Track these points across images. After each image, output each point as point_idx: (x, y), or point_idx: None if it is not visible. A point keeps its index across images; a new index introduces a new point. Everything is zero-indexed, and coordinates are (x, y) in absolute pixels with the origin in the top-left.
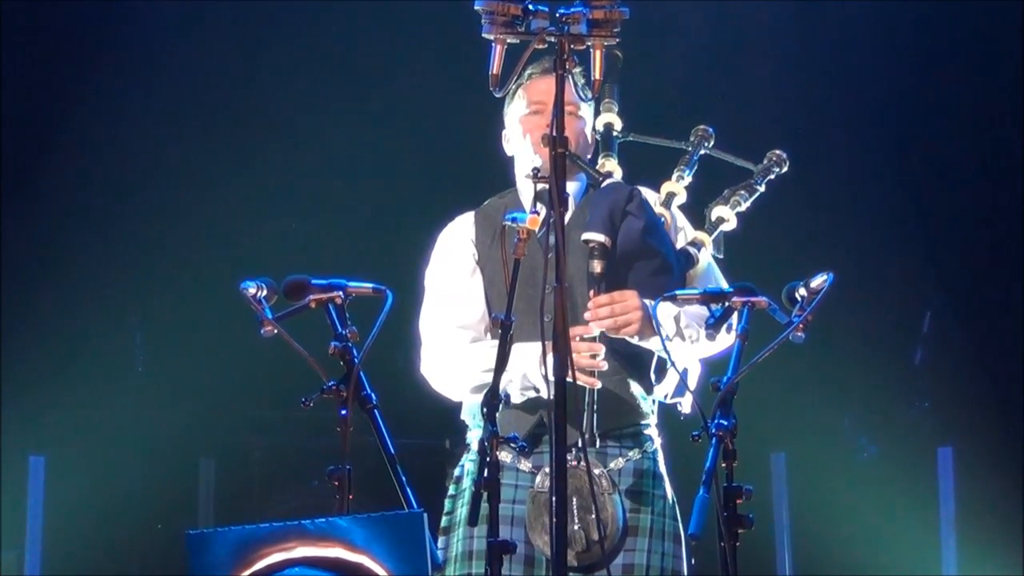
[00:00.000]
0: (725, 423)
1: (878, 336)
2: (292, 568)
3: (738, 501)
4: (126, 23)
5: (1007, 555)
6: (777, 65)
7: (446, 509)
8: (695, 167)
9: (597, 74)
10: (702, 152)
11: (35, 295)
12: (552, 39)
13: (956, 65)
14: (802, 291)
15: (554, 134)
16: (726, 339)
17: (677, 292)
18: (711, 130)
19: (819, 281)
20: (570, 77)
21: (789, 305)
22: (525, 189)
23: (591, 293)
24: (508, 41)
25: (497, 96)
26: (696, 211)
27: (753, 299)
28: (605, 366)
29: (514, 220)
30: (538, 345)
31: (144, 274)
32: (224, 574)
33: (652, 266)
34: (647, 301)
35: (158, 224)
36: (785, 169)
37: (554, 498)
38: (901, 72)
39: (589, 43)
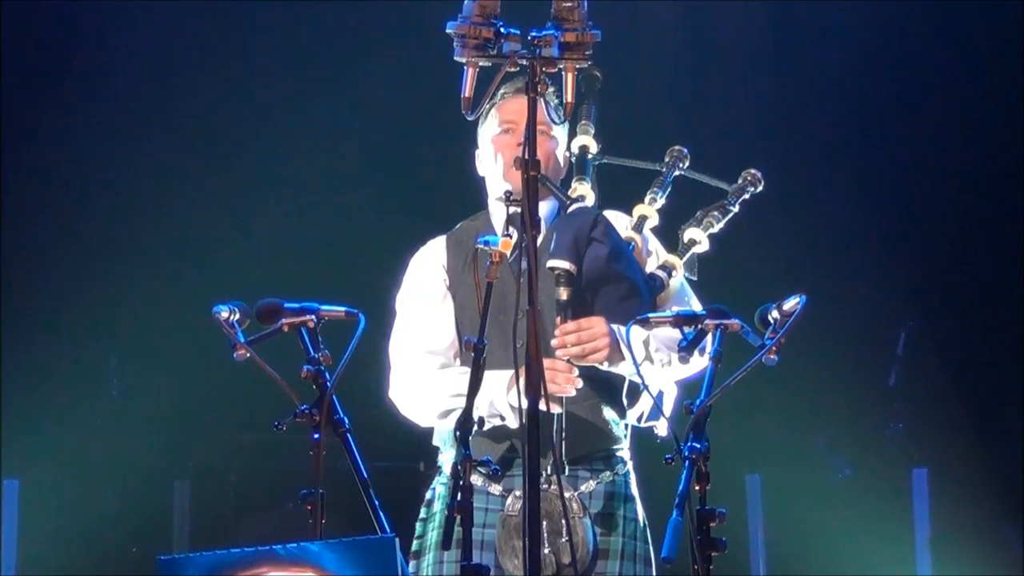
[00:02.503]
0: (698, 446)
1: (853, 358)
2: None
3: (711, 524)
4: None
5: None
6: (752, 86)
7: (417, 532)
8: (669, 188)
9: (569, 97)
10: (676, 173)
11: (8, 318)
12: (524, 62)
13: (933, 87)
14: (775, 313)
15: (526, 157)
16: (699, 362)
17: (650, 315)
18: (686, 151)
19: (791, 304)
20: (543, 98)
21: (762, 327)
22: (497, 211)
23: (557, 320)
24: (480, 64)
25: (469, 119)
26: (670, 232)
27: (726, 322)
28: (573, 392)
29: (486, 243)
30: (505, 373)
31: (118, 297)
32: None
33: (619, 291)
34: (615, 326)
35: (132, 247)
36: (760, 189)
37: (527, 523)
38: (877, 94)
39: (561, 66)
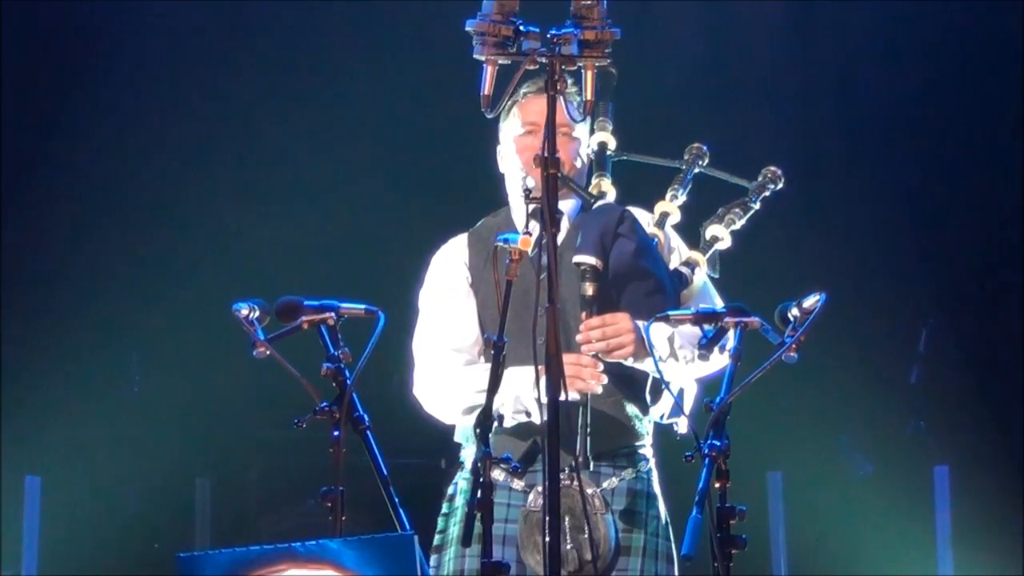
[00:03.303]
0: (718, 443)
1: (874, 355)
2: None
3: (731, 522)
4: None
5: (1003, 574)
6: (772, 82)
7: (439, 527)
8: (689, 186)
9: (588, 95)
10: (696, 170)
11: (31, 315)
12: (543, 60)
13: (954, 82)
14: (795, 311)
15: (546, 155)
16: (721, 359)
17: (670, 312)
18: (705, 148)
19: (811, 301)
20: (565, 97)
21: (782, 325)
22: (518, 208)
23: (583, 316)
24: (499, 62)
25: (488, 117)
26: (691, 230)
27: (746, 319)
28: (599, 389)
29: (506, 241)
30: (530, 368)
31: (140, 294)
32: None
33: (645, 287)
34: (640, 322)
35: (153, 245)
36: (780, 186)
37: (547, 519)
38: (898, 90)
39: (580, 64)
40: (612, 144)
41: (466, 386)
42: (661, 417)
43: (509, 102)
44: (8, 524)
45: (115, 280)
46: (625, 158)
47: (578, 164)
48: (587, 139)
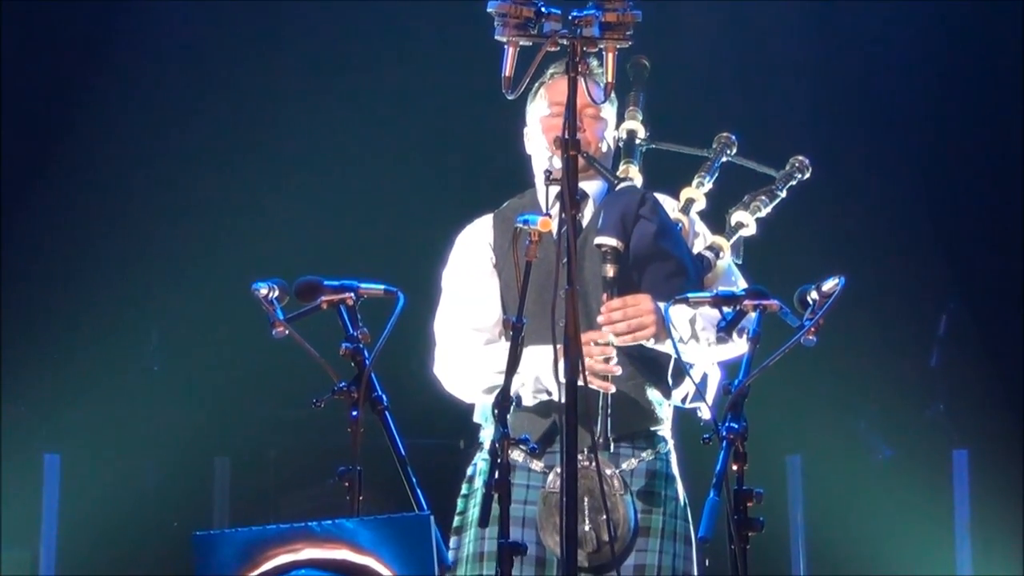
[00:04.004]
0: (736, 426)
1: (894, 338)
2: (298, 570)
3: (748, 504)
4: (135, 19)
5: (1021, 558)
6: (798, 69)
7: (458, 509)
8: (716, 174)
9: (609, 77)
10: (724, 159)
11: (52, 293)
12: (564, 42)
13: (975, 66)
14: (814, 295)
15: (566, 136)
16: (742, 343)
17: (689, 295)
18: (734, 137)
19: (831, 285)
20: (591, 78)
21: (801, 309)
22: (543, 189)
23: (604, 298)
24: (520, 43)
25: (509, 98)
26: (717, 217)
27: (765, 302)
28: (619, 371)
29: (526, 222)
30: (551, 348)
31: (161, 273)
32: (230, 575)
33: (666, 269)
34: (660, 304)
35: (174, 223)
36: (808, 175)
37: (564, 500)
38: (921, 75)
39: (601, 46)
40: (641, 133)
41: (486, 366)
42: (683, 401)
43: (536, 84)
44: (27, 501)
45: (136, 259)
46: (654, 147)
47: (603, 147)
48: (614, 121)
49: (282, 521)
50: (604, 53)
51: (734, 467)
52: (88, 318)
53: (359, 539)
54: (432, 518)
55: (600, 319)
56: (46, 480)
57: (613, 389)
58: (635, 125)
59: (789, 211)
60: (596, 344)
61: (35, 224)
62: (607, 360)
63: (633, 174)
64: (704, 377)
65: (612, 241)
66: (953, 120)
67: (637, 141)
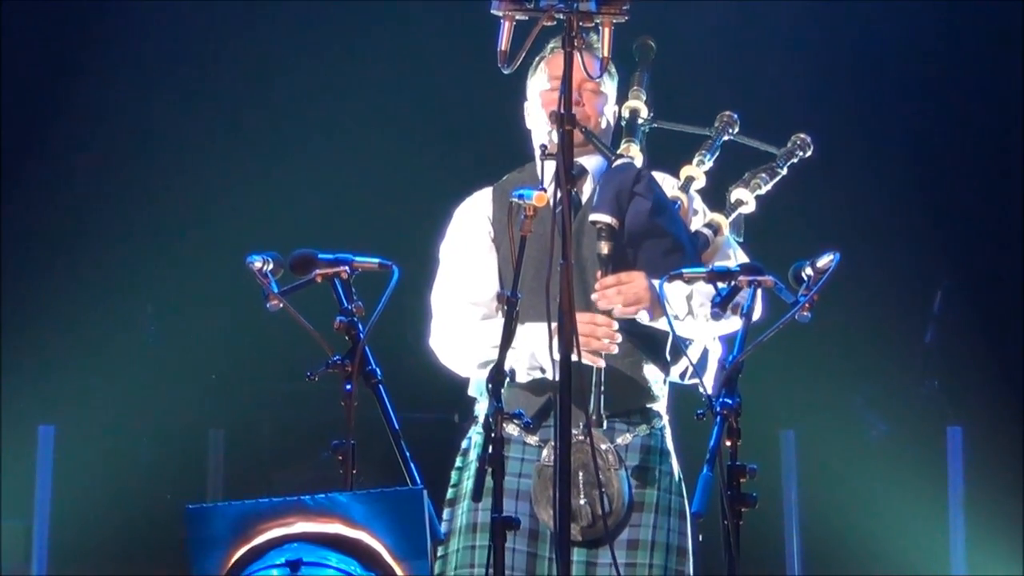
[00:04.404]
0: (730, 402)
1: (889, 315)
2: (291, 543)
3: (742, 480)
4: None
5: (1015, 534)
6: (797, 48)
7: (452, 481)
8: (717, 152)
9: (605, 51)
10: (725, 138)
11: (46, 265)
12: (561, 16)
13: (971, 43)
14: (808, 271)
15: (562, 111)
16: (737, 318)
17: (684, 270)
18: (735, 116)
19: (825, 261)
20: (589, 52)
21: (795, 284)
22: (541, 164)
23: (599, 275)
24: (517, 18)
25: (505, 72)
26: (717, 196)
27: (759, 278)
28: (615, 349)
29: (521, 197)
30: (547, 325)
31: (156, 245)
32: (223, 549)
33: (662, 246)
34: (655, 281)
35: (169, 196)
36: (809, 153)
37: (557, 475)
38: (917, 53)
39: (598, 20)
40: (644, 113)
41: (482, 340)
42: (681, 377)
43: (536, 58)
44: (22, 473)
45: (130, 231)
46: (656, 126)
47: (603, 122)
48: (614, 96)
49: (276, 493)
50: (600, 28)
51: (727, 443)
52: (83, 290)
53: (352, 513)
54: (425, 492)
55: (594, 296)
56: (40, 452)
57: (602, 363)
58: (638, 104)
59: (786, 187)
60: (598, 325)
61: (30, 198)
62: (610, 340)
63: (634, 153)
64: (704, 352)
65: (606, 218)
66: (948, 97)
67: (640, 121)
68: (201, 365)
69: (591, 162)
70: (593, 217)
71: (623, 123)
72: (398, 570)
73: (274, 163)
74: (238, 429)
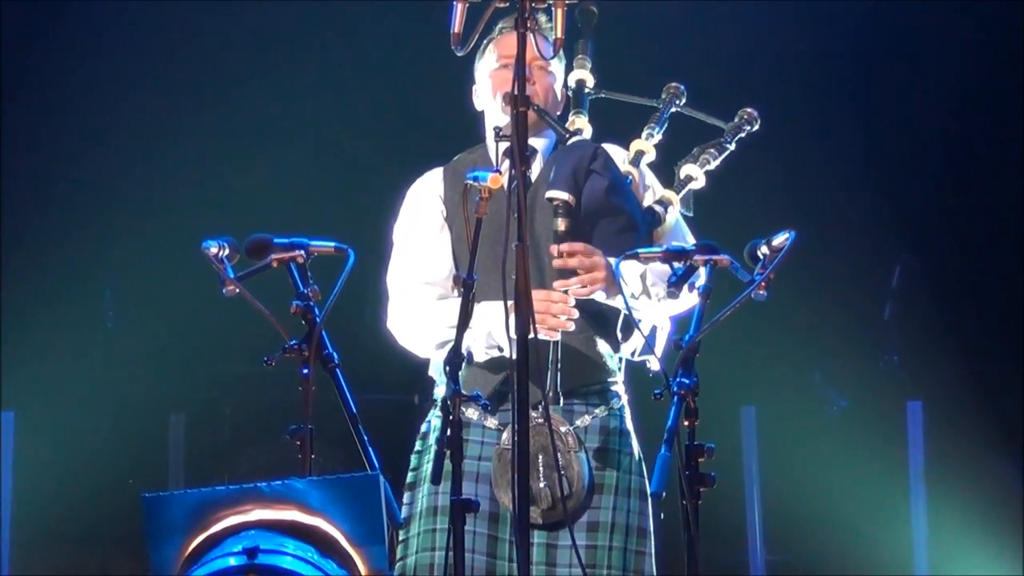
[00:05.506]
0: (687, 381)
1: (848, 291)
2: (248, 531)
3: (700, 459)
4: None
5: (975, 508)
6: (746, 21)
7: (412, 465)
8: (665, 125)
9: (559, 32)
10: (673, 110)
11: (3, 252)
12: None
13: (923, 18)
14: (764, 249)
15: (516, 93)
16: (692, 297)
17: (640, 250)
18: (682, 88)
19: (780, 239)
20: (540, 33)
21: (751, 263)
22: (493, 145)
23: (555, 251)
24: (469, 0)
25: (459, 55)
26: (666, 169)
27: (715, 257)
28: (572, 326)
29: (475, 179)
30: (503, 304)
31: (113, 230)
32: (180, 537)
33: (617, 224)
34: (611, 259)
35: (126, 181)
36: (756, 127)
37: (515, 456)
38: (868, 26)
39: (550, 2)
40: (590, 82)
41: (438, 320)
42: (632, 354)
43: (485, 40)
44: None
45: (88, 217)
46: (603, 96)
47: (553, 98)
48: (563, 77)
49: (238, 476)
50: (553, 9)
51: (685, 423)
52: (41, 276)
53: (309, 499)
54: (381, 477)
55: (556, 262)
56: (1, 438)
57: (557, 336)
58: (584, 74)
59: (740, 163)
60: (554, 302)
61: None
62: (567, 316)
63: (582, 124)
64: (653, 330)
65: (564, 195)
66: (903, 71)
67: (586, 90)
68: (161, 349)
69: (539, 142)
70: (550, 194)
71: (570, 93)
72: (355, 556)
73: (229, 149)
74: (199, 413)
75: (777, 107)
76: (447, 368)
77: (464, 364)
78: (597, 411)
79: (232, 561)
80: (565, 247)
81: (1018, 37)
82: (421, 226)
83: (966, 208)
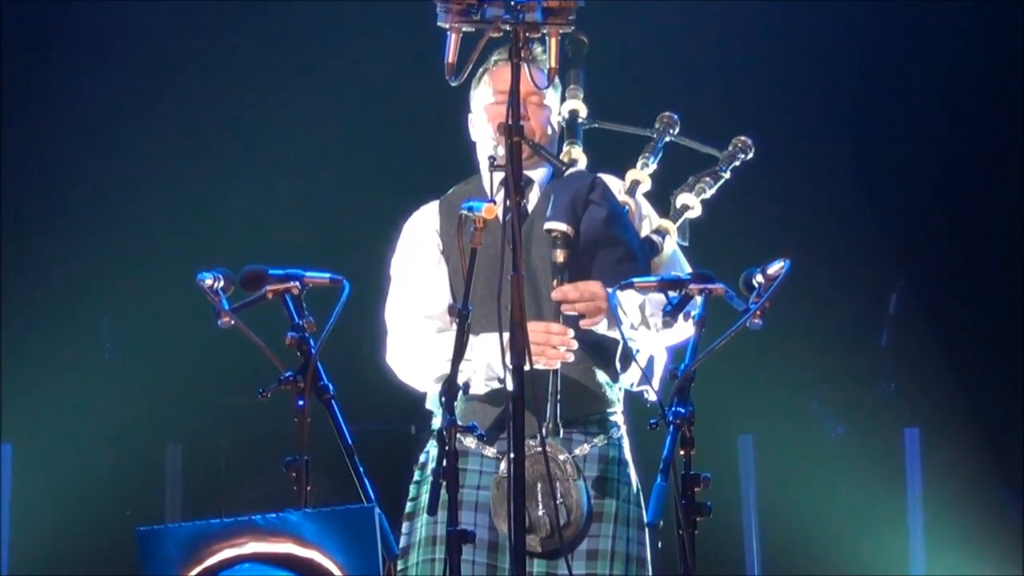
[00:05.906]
0: (682, 411)
1: (845, 318)
2: (242, 564)
3: (696, 489)
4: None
5: (973, 535)
6: (742, 51)
7: (411, 495)
8: (660, 154)
9: (553, 62)
10: (667, 139)
11: (2, 283)
12: (507, 27)
13: (917, 47)
14: (759, 278)
15: (510, 123)
16: (688, 327)
17: (635, 279)
18: (676, 117)
19: (776, 268)
20: (535, 65)
21: (746, 292)
22: (488, 175)
23: (554, 283)
24: (463, 29)
25: (453, 85)
26: (661, 198)
27: (710, 286)
28: (572, 357)
29: (470, 209)
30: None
31: (111, 261)
32: (175, 570)
33: (615, 255)
34: (609, 290)
35: (124, 213)
36: (750, 156)
37: (511, 486)
38: (863, 55)
39: (544, 31)
40: (583, 112)
41: (437, 354)
42: (631, 385)
43: (480, 70)
44: None
45: (86, 248)
46: (596, 126)
47: (548, 132)
48: (557, 107)
49: (235, 508)
50: (547, 39)
51: (681, 452)
52: (38, 307)
53: (303, 532)
54: (377, 509)
55: (563, 308)
56: None
57: (557, 365)
58: (577, 104)
59: (737, 192)
60: (553, 333)
61: None
62: (566, 348)
63: (577, 155)
64: (650, 361)
65: (562, 226)
66: (898, 99)
67: (579, 120)
68: (158, 380)
69: (536, 172)
70: (548, 226)
71: (563, 123)
72: None
73: (226, 180)
74: (196, 444)
75: (771, 135)
76: (443, 399)
77: (463, 395)
78: (596, 440)
79: None
80: (557, 293)
81: (1018, 61)
82: (418, 260)
83: (963, 235)
